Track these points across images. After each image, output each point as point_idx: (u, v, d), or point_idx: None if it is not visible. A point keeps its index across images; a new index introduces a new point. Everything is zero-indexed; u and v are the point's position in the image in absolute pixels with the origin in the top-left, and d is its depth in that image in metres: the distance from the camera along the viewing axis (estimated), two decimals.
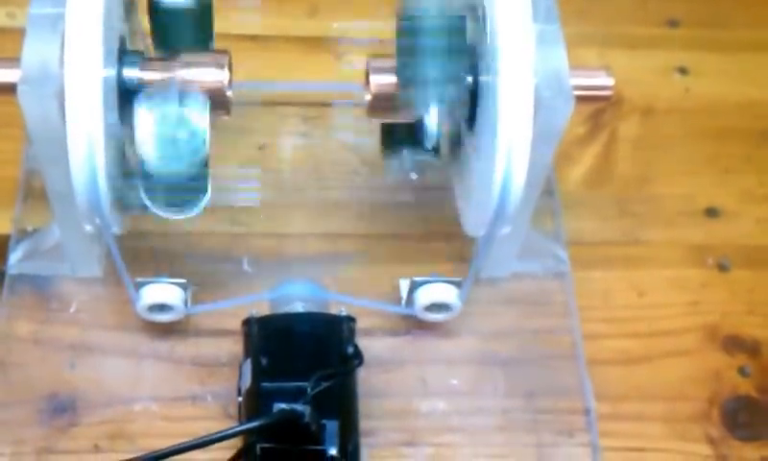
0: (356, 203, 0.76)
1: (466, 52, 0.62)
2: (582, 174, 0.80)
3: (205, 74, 0.62)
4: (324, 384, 0.59)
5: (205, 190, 0.61)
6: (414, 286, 0.68)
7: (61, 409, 0.65)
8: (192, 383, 0.67)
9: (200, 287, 0.69)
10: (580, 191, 0.79)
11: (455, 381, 0.69)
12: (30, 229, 0.71)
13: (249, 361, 0.62)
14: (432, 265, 0.72)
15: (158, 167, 0.59)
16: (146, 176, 0.60)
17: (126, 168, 0.62)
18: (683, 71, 0.87)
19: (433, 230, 0.75)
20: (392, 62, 0.62)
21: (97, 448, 0.64)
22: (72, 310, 0.69)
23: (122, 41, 0.63)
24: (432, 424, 0.68)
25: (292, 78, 0.82)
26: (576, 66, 0.62)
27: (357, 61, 0.79)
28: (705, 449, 0.69)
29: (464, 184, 0.66)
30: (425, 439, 0.67)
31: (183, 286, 0.65)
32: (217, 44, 0.68)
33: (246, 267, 0.72)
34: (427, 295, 0.67)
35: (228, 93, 0.62)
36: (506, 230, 0.62)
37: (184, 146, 0.59)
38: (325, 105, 0.79)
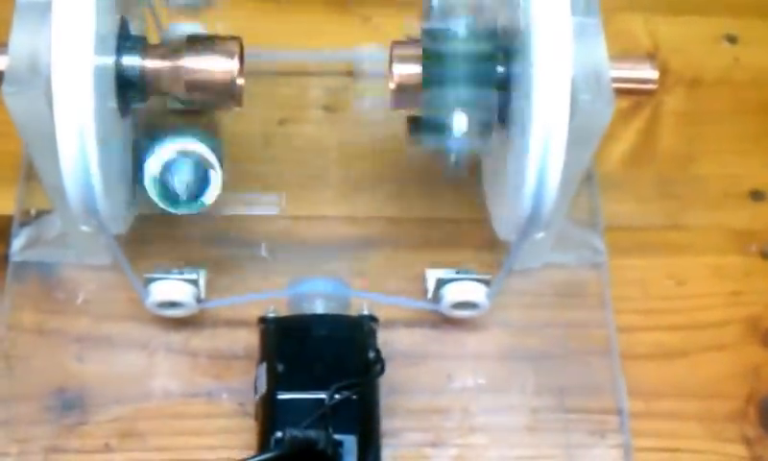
0: (383, 183, 0.72)
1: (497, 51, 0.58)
2: (622, 152, 0.76)
3: (214, 63, 0.58)
4: (342, 396, 0.56)
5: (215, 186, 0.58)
6: (441, 283, 0.64)
7: (69, 405, 0.63)
8: (207, 378, 0.64)
9: (216, 274, 0.66)
10: (619, 171, 0.75)
11: (482, 378, 0.66)
12: (33, 212, 0.68)
13: (264, 366, 0.59)
14: (461, 252, 0.69)
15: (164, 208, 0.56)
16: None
17: (127, 162, 0.58)
18: (731, 40, 0.81)
19: (463, 213, 0.71)
20: (418, 50, 0.58)
21: (108, 448, 0.62)
22: (79, 300, 0.66)
23: (123, 24, 0.58)
24: (457, 423, 0.65)
25: (314, 44, 0.77)
26: (618, 57, 0.58)
27: (386, 24, 0.76)
28: (740, 450, 0.65)
29: (494, 183, 0.62)
30: (450, 440, 0.64)
31: (194, 282, 0.62)
32: (233, 6, 0.63)
33: (264, 253, 0.68)
34: (454, 293, 0.64)
35: (240, 82, 0.58)
36: (539, 234, 0.58)
37: (191, 188, 0.58)
38: (351, 74, 0.75)
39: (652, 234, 0.72)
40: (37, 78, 0.52)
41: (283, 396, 0.57)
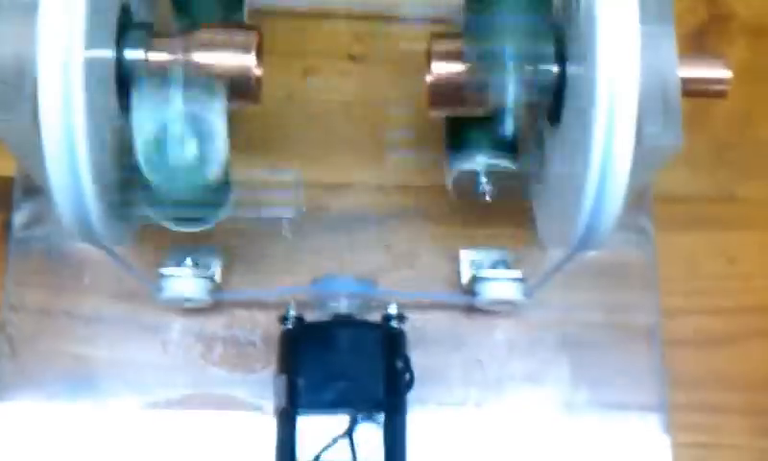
0: (414, 147, 0.65)
1: (551, 32, 0.51)
2: None
3: (227, 58, 0.51)
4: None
5: (223, 203, 0.52)
6: (476, 280, 0.60)
7: (77, 393, 0.60)
8: (223, 367, 0.61)
9: (233, 253, 0.62)
10: None
11: (516, 366, 0.62)
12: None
13: (284, 378, 0.55)
14: (496, 227, 0.64)
15: (158, 183, 0.49)
16: (147, 185, 0.50)
17: (129, 170, 0.52)
18: None
19: None
20: (459, 44, 0.52)
21: (119, 439, 0.59)
22: (87, 280, 0.62)
23: (124, 11, 0.52)
24: (488, 416, 0.61)
25: None
26: (688, 54, 0.52)
27: None
28: None
29: (544, 191, 0.56)
30: (481, 432, 0.61)
31: (209, 276, 0.58)
32: None
33: (285, 233, 0.63)
34: (491, 291, 0.60)
35: (257, 72, 0.52)
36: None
37: (191, 156, 0.49)
38: (382, 18, 0.68)
39: (704, 207, 0.67)
40: (22, 98, 0.46)
41: (304, 414, 0.53)
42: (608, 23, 0.47)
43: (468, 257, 0.62)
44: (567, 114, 0.51)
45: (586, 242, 0.51)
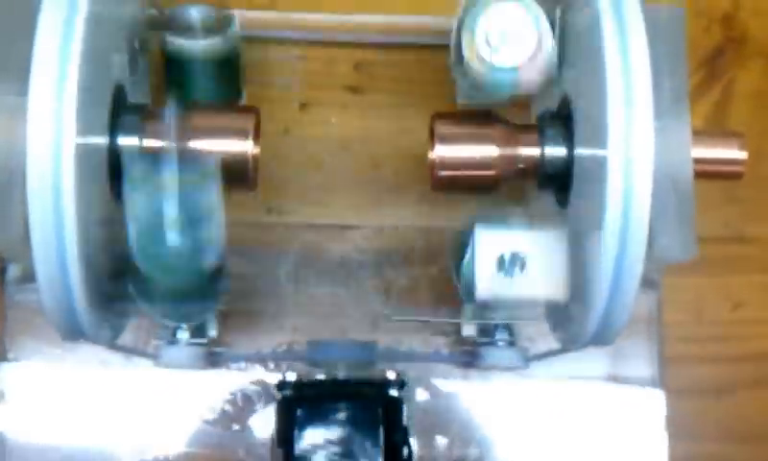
0: (415, 185, 0.63)
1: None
2: None
3: (224, 144, 0.49)
4: None
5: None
6: (478, 344, 0.58)
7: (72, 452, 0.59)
8: (219, 424, 0.60)
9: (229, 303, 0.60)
10: None
11: (494, 429, 0.62)
12: None
13: (280, 452, 0.54)
14: None
15: (153, 274, 0.47)
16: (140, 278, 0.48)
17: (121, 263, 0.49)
18: None
19: None
20: (464, 127, 0.50)
21: None
22: None
23: (119, 93, 0.49)
24: None
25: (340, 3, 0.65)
26: (702, 132, 0.49)
27: None
28: None
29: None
30: None
31: (205, 344, 0.56)
32: None
33: (283, 281, 0.61)
34: (493, 358, 0.58)
35: (255, 157, 0.49)
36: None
37: (187, 247, 0.46)
38: (383, 46, 0.64)
39: (711, 247, 0.65)
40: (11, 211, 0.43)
41: None
42: (619, 122, 0.44)
43: (469, 309, 0.61)
44: (576, 199, 0.50)
45: (597, 340, 0.50)
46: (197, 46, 0.50)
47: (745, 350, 0.64)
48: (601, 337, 0.49)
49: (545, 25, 0.48)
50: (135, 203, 0.46)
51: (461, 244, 0.52)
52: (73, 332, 0.47)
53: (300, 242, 0.62)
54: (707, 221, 0.65)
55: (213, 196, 0.47)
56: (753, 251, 0.66)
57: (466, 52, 0.47)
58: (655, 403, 0.62)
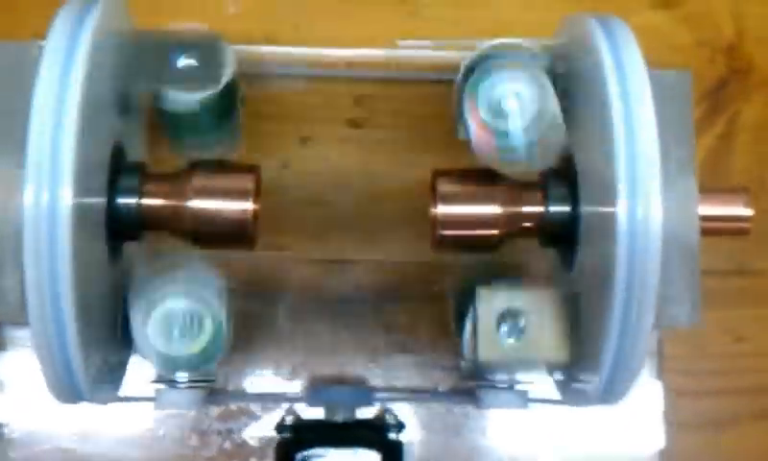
0: (416, 221, 0.62)
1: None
2: None
3: (224, 204, 0.49)
4: None
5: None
6: (479, 387, 0.58)
7: None
8: None
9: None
10: None
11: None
12: None
13: None
14: None
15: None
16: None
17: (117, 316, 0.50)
18: None
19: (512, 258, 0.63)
20: (466, 185, 0.49)
21: None
22: None
23: (117, 151, 0.49)
24: None
25: (339, 35, 0.64)
26: (709, 190, 0.49)
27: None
28: None
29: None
30: None
31: (204, 385, 0.56)
32: None
33: (282, 317, 0.61)
34: (491, 399, 0.57)
35: (255, 216, 0.50)
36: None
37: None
38: (384, 80, 0.64)
39: (713, 280, 0.64)
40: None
41: None
42: (628, 179, 0.44)
43: (469, 330, 0.60)
44: (581, 259, 0.49)
45: (605, 400, 0.49)
46: (192, 99, 0.50)
47: (746, 383, 0.64)
48: (608, 398, 0.49)
49: (549, 90, 0.48)
50: (140, 305, 0.48)
51: (462, 303, 0.51)
52: (72, 395, 0.47)
53: (299, 277, 0.62)
54: (708, 254, 0.65)
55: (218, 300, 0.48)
56: (754, 284, 0.65)
57: (469, 118, 0.47)
58: (654, 436, 0.62)
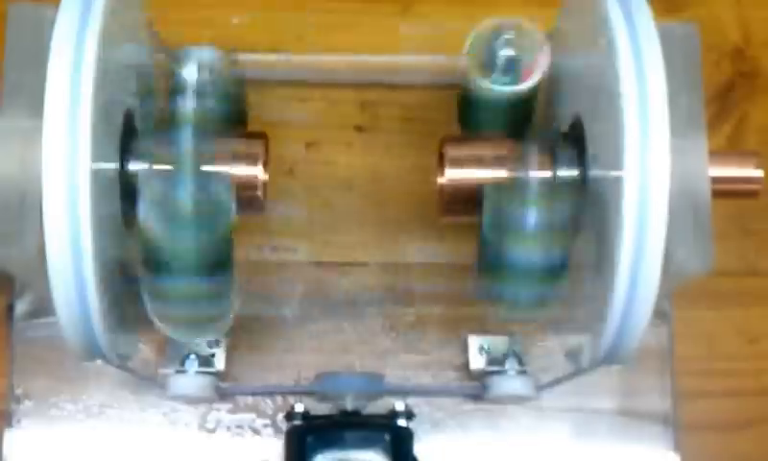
0: (422, 223, 0.63)
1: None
2: None
3: (233, 170, 0.51)
4: None
5: (227, 315, 0.51)
6: (484, 374, 0.58)
7: None
8: (228, 455, 0.60)
9: (237, 337, 0.60)
10: None
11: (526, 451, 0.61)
12: None
13: None
14: None
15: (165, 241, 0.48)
16: (153, 289, 0.50)
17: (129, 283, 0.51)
18: None
19: None
20: (475, 149, 0.50)
21: None
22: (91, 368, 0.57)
23: (128, 119, 0.51)
24: None
25: (344, 42, 0.66)
26: (718, 152, 0.49)
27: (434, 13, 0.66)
28: None
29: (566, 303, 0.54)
30: None
31: (213, 372, 0.57)
32: None
33: (288, 313, 0.62)
34: (498, 386, 0.58)
35: (264, 181, 0.52)
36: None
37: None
38: (388, 85, 0.65)
39: (725, 282, 0.64)
40: (25, 230, 0.45)
41: None
42: (636, 137, 0.44)
43: (476, 343, 0.60)
44: (589, 224, 0.50)
45: (609, 359, 0.49)
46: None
47: (759, 384, 0.63)
48: (614, 355, 0.49)
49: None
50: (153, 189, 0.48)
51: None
52: (90, 352, 0.48)
53: (306, 280, 0.63)
54: (720, 254, 0.64)
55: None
56: (766, 284, 0.65)
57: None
58: (666, 439, 0.61)
